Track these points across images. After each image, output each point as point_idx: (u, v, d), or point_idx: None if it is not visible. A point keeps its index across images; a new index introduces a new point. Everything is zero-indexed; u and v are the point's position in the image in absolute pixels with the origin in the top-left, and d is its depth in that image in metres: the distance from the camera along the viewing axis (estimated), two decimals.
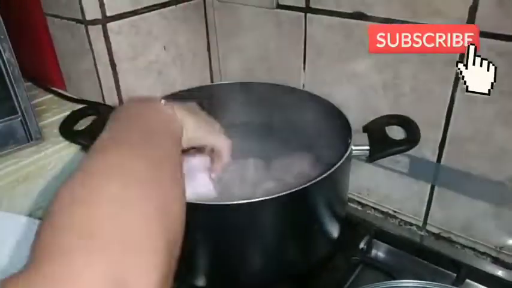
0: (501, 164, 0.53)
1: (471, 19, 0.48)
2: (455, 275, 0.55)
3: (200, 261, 0.49)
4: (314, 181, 0.44)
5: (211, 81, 0.78)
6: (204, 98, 0.66)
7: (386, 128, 0.56)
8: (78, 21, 0.59)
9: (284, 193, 0.43)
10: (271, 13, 0.65)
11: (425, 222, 0.64)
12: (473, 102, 0.52)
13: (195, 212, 0.44)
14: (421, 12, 0.52)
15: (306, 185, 0.44)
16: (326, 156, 0.56)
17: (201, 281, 0.51)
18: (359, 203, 0.70)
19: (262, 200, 0.42)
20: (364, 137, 0.54)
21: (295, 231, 0.48)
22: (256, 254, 0.48)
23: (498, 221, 0.56)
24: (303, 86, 0.68)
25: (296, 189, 0.43)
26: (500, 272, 0.56)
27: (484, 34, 0.48)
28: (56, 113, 0.64)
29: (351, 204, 0.71)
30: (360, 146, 0.52)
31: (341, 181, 0.52)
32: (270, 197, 0.42)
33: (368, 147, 0.52)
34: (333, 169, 0.46)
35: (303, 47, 0.65)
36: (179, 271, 0.52)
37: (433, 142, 0.57)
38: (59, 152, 0.56)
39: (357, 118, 0.61)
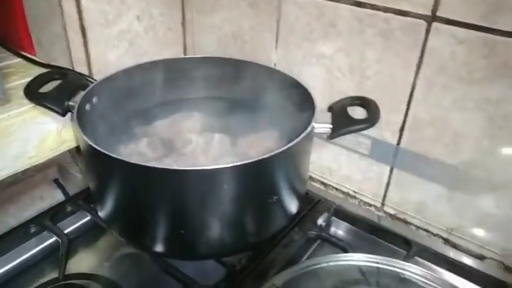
0: (456, 149, 0.55)
1: (436, 5, 0.50)
2: (405, 252, 0.57)
3: (157, 227, 0.49)
4: (272, 153, 0.45)
5: (185, 55, 0.78)
6: (174, 70, 0.67)
7: (351, 109, 0.57)
8: None
9: (241, 163, 0.44)
10: None
11: (383, 203, 0.66)
12: (432, 89, 0.54)
13: (154, 176, 0.45)
14: None
15: (263, 157, 0.45)
16: (292, 134, 0.58)
17: (159, 247, 0.52)
18: (322, 182, 0.72)
19: (218, 168, 0.43)
20: (328, 116, 0.55)
21: (252, 202, 0.49)
22: (212, 223, 0.49)
23: (450, 203, 0.59)
24: (275, 64, 0.69)
25: (253, 160, 0.44)
26: (449, 252, 0.59)
27: (446, 21, 0.50)
28: (23, 76, 0.63)
29: (315, 184, 0.73)
30: (322, 124, 0.53)
31: (301, 157, 0.53)
32: (227, 165, 0.43)
33: (330, 125, 0.53)
34: (292, 143, 0.47)
35: (275, 26, 0.65)
36: (138, 236, 0.54)
37: (394, 125, 0.59)
38: (23, 115, 0.56)
39: (324, 98, 0.63)
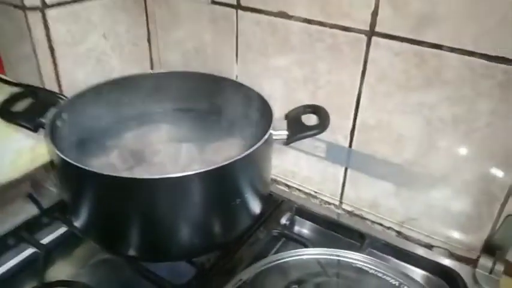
0: (399, 149, 0.61)
1: (373, 22, 0.56)
2: (360, 244, 0.63)
3: (131, 233, 0.53)
4: (233, 159, 0.50)
5: (152, 71, 0.82)
6: (141, 85, 0.70)
7: (307, 116, 0.63)
8: (16, 6, 0.61)
9: (204, 169, 0.48)
10: (206, 8, 0.70)
11: (341, 202, 0.72)
12: (376, 95, 0.60)
13: (125, 186, 0.49)
14: (333, 15, 0.59)
15: (225, 163, 0.49)
16: (254, 141, 0.63)
17: (133, 252, 0.55)
18: (286, 185, 0.77)
19: (184, 175, 0.48)
20: (285, 124, 0.61)
21: (218, 205, 0.54)
22: (181, 226, 0.53)
23: (399, 199, 0.65)
24: (236, 77, 0.74)
25: (215, 166, 0.49)
26: (401, 243, 0.64)
27: (383, 35, 0.56)
28: None
29: (279, 186, 0.78)
30: (279, 131, 0.58)
31: (261, 162, 0.58)
32: (191, 172, 0.48)
33: (286, 132, 0.58)
34: (251, 150, 0.52)
35: (235, 41, 0.70)
36: (113, 243, 0.57)
37: (345, 129, 0.65)
38: None
39: (282, 107, 0.68)
